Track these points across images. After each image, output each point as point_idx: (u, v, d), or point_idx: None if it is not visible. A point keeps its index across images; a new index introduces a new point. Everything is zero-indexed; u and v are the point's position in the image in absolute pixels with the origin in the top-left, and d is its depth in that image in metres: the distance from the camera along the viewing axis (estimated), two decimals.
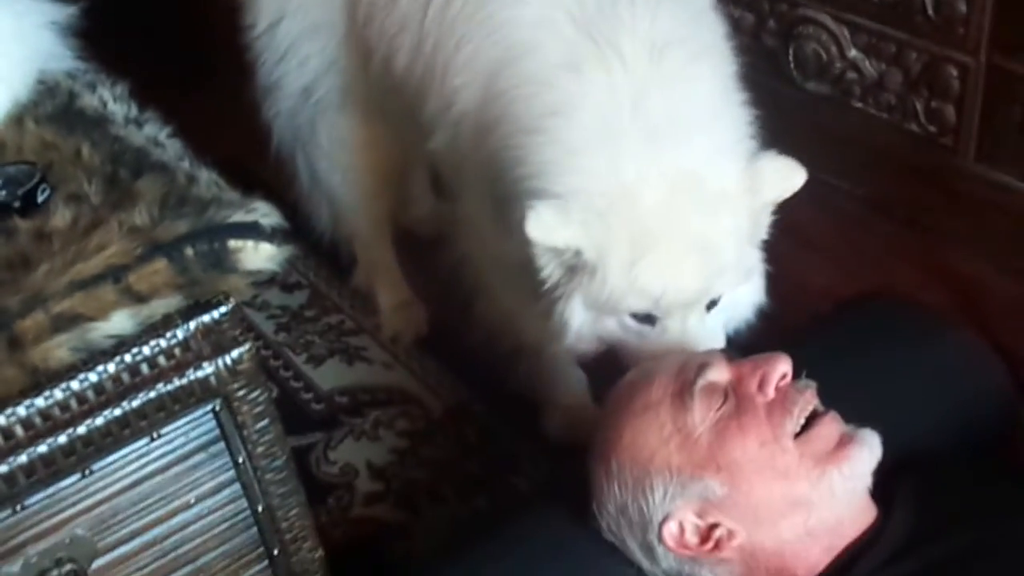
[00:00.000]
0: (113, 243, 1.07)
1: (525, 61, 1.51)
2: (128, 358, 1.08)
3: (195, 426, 1.18)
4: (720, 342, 1.51)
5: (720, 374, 1.27)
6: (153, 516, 1.19)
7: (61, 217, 1.12)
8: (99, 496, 1.14)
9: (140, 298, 1.07)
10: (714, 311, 1.52)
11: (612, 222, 1.43)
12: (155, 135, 1.27)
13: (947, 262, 1.86)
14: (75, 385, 1.06)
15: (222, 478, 1.22)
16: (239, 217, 1.11)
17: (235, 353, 1.14)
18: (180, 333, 1.10)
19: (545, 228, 1.42)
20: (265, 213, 1.13)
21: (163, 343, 1.10)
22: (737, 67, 1.59)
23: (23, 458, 1.05)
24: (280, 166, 2.02)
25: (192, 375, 1.13)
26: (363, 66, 1.79)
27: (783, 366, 1.26)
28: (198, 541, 1.24)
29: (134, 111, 1.31)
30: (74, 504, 1.13)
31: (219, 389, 1.15)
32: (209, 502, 1.22)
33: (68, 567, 1.13)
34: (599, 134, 1.45)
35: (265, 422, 1.20)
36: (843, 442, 1.22)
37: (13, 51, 1.28)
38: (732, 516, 1.21)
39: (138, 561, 1.20)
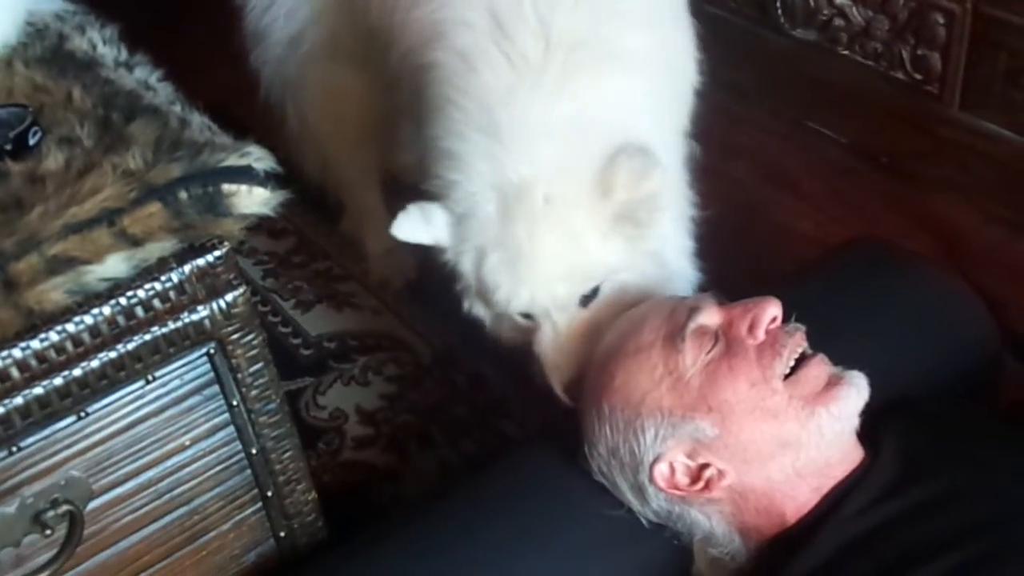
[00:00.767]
0: (107, 186, 1.07)
1: (443, 40, 1.52)
2: (123, 301, 1.08)
3: (190, 369, 1.18)
4: (596, 336, 1.45)
5: (711, 317, 1.29)
6: (148, 458, 1.20)
7: (54, 160, 1.11)
8: (95, 438, 1.15)
9: (135, 241, 1.07)
10: (595, 303, 1.50)
11: (464, 227, 1.48)
12: (145, 78, 1.26)
13: (931, 209, 1.88)
14: (71, 327, 1.06)
15: (216, 420, 1.23)
16: (233, 161, 1.11)
17: (229, 296, 1.15)
18: (175, 276, 1.10)
19: (406, 228, 1.50)
20: (258, 157, 1.13)
21: (158, 286, 1.10)
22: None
23: (19, 400, 1.06)
24: (268, 112, 2.01)
25: (187, 318, 1.13)
26: (349, 17, 1.78)
27: (773, 309, 1.27)
28: (193, 483, 1.25)
29: (124, 54, 1.30)
30: (70, 446, 1.13)
31: (213, 332, 1.16)
32: (203, 444, 1.23)
33: (64, 508, 1.14)
34: (474, 131, 1.47)
35: (259, 365, 1.21)
36: (832, 383, 1.23)
37: None
38: (722, 456, 1.23)
39: (133, 502, 1.21)
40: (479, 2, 1.50)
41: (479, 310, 1.57)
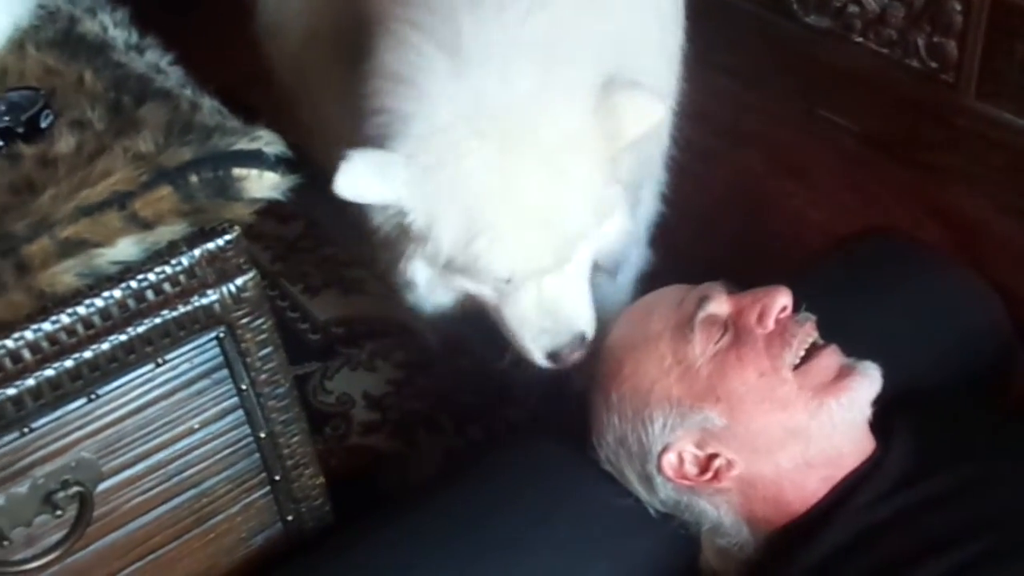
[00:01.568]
0: (118, 169, 1.07)
1: None
2: (134, 284, 1.08)
3: (199, 352, 1.18)
4: (585, 294, 1.38)
5: (720, 307, 1.28)
6: (158, 440, 1.20)
7: (65, 143, 1.12)
8: (105, 420, 1.15)
9: (145, 224, 1.07)
10: (575, 264, 1.37)
11: (438, 184, 1.25)
12: (156, 62, 1.26)
13: (946, 200, 1.86)
14: (81, 310, 1.06)
15: (225, 404, 1.23)
16: (243, 145, 1.11)
17: (239, 281, 1.15)
18: (185, 260, 1.11)
19: (357, 183, 1.25)
20: (269, 141, 1.13)
21: (168, 270, 1.10)
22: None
23: (31, 381, 1.06)
24: (278, 97, 2.01)
25: (197, 302, 1.13)
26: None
27: (783, 299, 1.26)
28: (201, 466, 1.25)
29: (135, 37, 1.29)
30: (80, 428, 1.14)
31: (223, 316, 1.16)
32: (213, 428, 1.24)
33: (74, 489, 1.14)
34: (434, 48, 1.26)
35: (268, 350, 1.21)
36: (842, 374, 1.23)
37: None
38: (731, 446, 1.23)
39: (143, 484, 1.22)
40: None
41: (421, 273, 1.37)
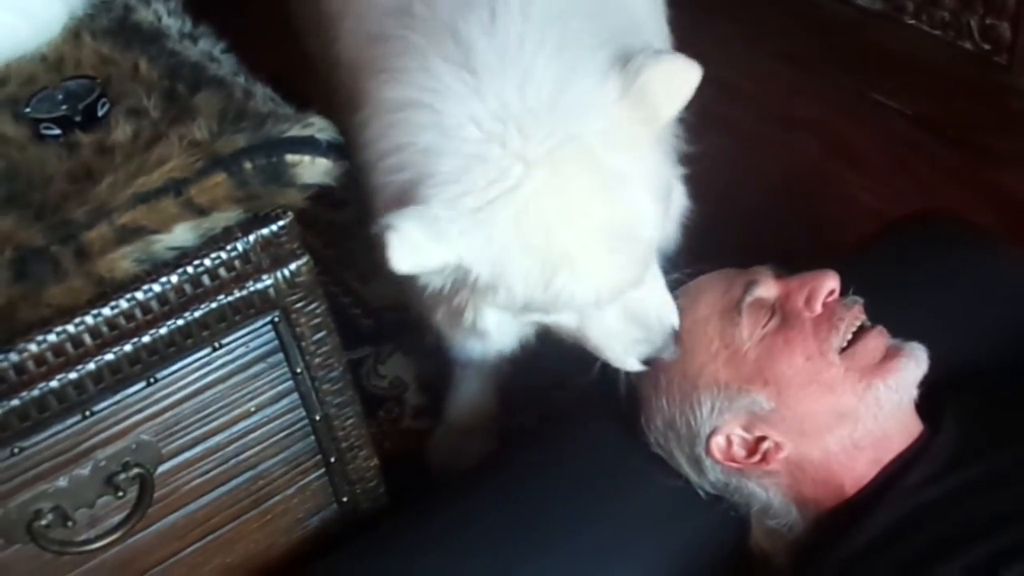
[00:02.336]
0: (174, 157, 1.08)
1: None
2: (190, 270, 1.10)
3: (255, 337, 1.20)
4: (662, 286, 1.28)
5: (768, 291, 1.28)
6: (215, 423, 1.22)
7: (122, 131, 1.13)
8: (164, 403, 1.17)
9: (201, 211, 1.09)
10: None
11: (495, 228, 1.12)
12: (209, 50, 1.27)
13: (998, 182, 1.84)
14: (140, 296, 1.08)
15: (281, 387, 1.25)
16: (296, 131, 1.12)
17: (293, 266, 1.17)
18: (240, 246, 1.12)
19: (414, 253, 1.11)
20: (321, 128, 1.14)
21: (224, 255, 1.12)
22: None
23: (91, 366, 1.08)
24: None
25: (252, 287, 1.15)
26: None
27: (831, 282, 1.26)
28: (258, 448, 1.27)
29: (188, 26, 1.31)
30: (140, 411, 1.16)
31: (278, 301, 1.17)
32: (269, 411, 1.26)
33: (135, 471, 1.17)
34: (443, 77, 1.15)
35: (322, 334, 1.23)
36: (889, 355, 1.23)
37: None
38: (779, 429, 1.23)
39: (201, 467, 1.24)
40: None
41: (492, 321, 1.24)
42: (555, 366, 1.85)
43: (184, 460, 1.22)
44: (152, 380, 1.15)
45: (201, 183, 1.08)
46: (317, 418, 1.29)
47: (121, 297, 1.08)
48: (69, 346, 1.06)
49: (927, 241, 1.56)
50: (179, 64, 1.23)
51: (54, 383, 1.07)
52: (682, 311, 1.29)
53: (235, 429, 1.24)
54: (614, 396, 1.42)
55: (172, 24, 1.31)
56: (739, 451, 1.25)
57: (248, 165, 1.10)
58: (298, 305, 1.19)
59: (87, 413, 1.12)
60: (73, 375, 1.08)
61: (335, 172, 1.14)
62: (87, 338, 1.07)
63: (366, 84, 1.21)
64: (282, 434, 1.28)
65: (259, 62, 1.26)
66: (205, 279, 1.12)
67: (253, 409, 1.24)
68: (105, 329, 1.08)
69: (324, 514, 1.38)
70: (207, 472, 1.25)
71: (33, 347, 1.04)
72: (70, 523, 1.15)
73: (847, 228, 1.82)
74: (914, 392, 1.23)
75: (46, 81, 1.21)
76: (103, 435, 1.15)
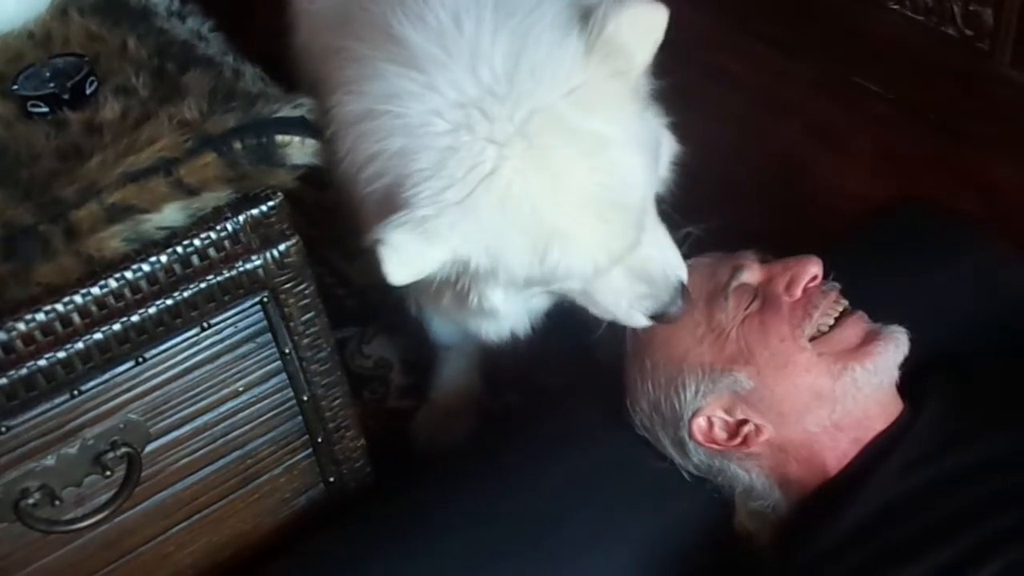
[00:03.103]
0: (163, 136, 1.08)
1: None
2: (179, 250, 1.10)
3: (243, 317, 1.21)
4: (665, 238, 1.25)
5: (753, 275, 1.30)
6: (203, 403, 1.23)
7: (111, 109, 1.13)
8: (152, 383, 1.18)
9: (191, 191, 1.09)
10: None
11: (482, 215, 1.09)
12: (197, 28, 1.27)
13: (980, 168, 1.85)
14: (129, 275, 1.09)
15: (269, 367, 1.25)
16: (286, 112, 1.13)
17: (282, 246, 1.17)
18: (229, 226, 1.13)
19: (409, 262, 1.09)
20: (311, 108, 1.14)
21: (213, 235, 1.12)
22: None
23: (80, 345, 1.08)
24: None
25: (241, 267, 1.15)
26: None
27: (813, 268, 1.28)
28: (246, 428, 1.28)
29: (176, 4, 1.30)
30: (128, 390, 1.16)
31: (267, 281, 1.18)
32: (256, 390, 1.26)
33: (123, 450, 1.17)
34: (395, 79, 1.12)
35: (311, 314, 1.23)
36: (868, 339, 1.24)
37: None
38: (759, 410, 1.24)
39: (189, 446, 1.24)
40: None
41: (498, 299, 1.22)
42: (540, 347, 1.86)
43: (172, 439, 1.22)
44: (141, 359, 1.15)
45: (191, 163, 1.08)
46: (305, 398, 1.29)
47: (110, 276, 1.08)
48: (58, 325, 1.06)
49: (909, 226, 1.57)
50: (168, 42, 1.23)
51: (42, 362, 1.07)
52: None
53: (223, 409, 1.25)
54: (599, 379, 1.43)
55: (160, 2, 1.31)
56: (720, 433, 1.27)
57: (238, 145, 1.10)
58: (287, 286, 1.20)
59: (75, 392, 1.12)
60: (61, 354, 1.08)
61: (323, 152, 1.14)
62: (76, 317, 1.07)
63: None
64: (270, 414, 1.29)
65: (247, 41, 1.25)
66: (194, 259, 1.12)
67: (241, 389, 1.25)
68: (94, 308, 1.08)
69: (311, 494, 1.38)
70: (195, 451, 1.25)
71: (21, 326, 1.04)
72: (57, 502, 1.15)
73: (829, 212, 1.83)
74: (895, 374, 1.25)
75: (33, 58, 1.20)
76: (91, 414, 1.15)
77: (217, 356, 1.21)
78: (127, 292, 1.09)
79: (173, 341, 1.17)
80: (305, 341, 1.24)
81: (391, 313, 1.99)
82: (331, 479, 1.38)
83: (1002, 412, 1.24)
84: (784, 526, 1.25)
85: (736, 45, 2.02)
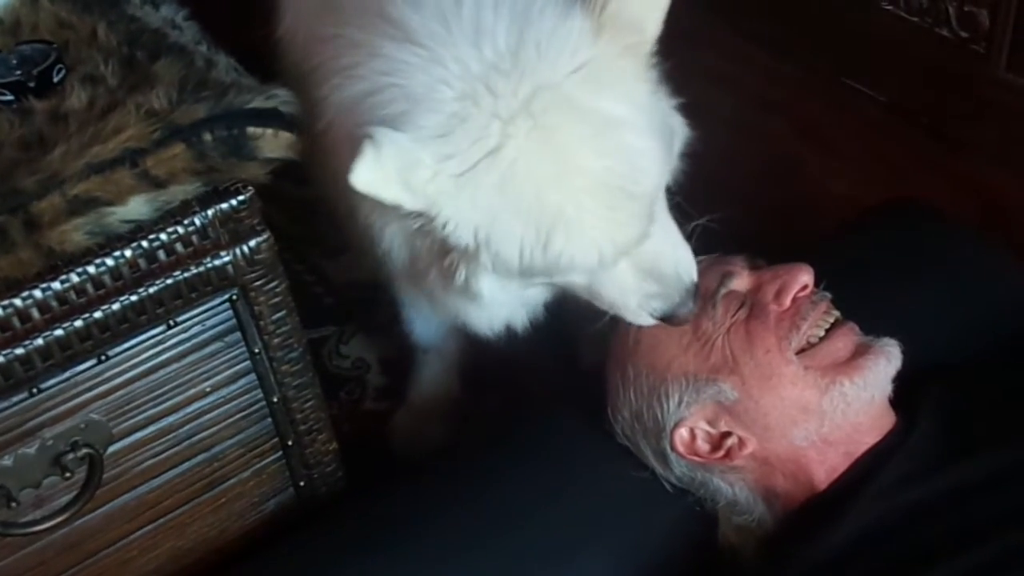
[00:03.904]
0: (130, 126, 1.05)
1: None
2: (145, 244, 1.07)
3: (212, 315, 1.17)
4: (676, 235, 1.20)
5: (742, 283, 1.27)
6: (168, 403, 1.19)
7: (77, 98, 1.10)
8: (115, 382, 1.14)
9: (158, 183, 1.06)
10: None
11: (479, 192, 1.06)
12: (172, 17, 1.24)
13: (973, 172, 1.83)
14: (92, 269, 1.05)
15: (238, 367, 1.22)
16: (259, 103, 1.09)
17: (253, 242, 1.14)
18: (198, 220, 1.09)
19: (381, 177, 1.02)
20: (285, 100, 1.11)
21: (180, 230, 1.08)
22: None
23: (39, 341, 1.05)
24: None
25: (209, 263, 1.12)
26: None
27: (804, 277, 1.24)
28: (213, 430, 1.24)
29: None
30: (90, 389, 1.13)
31: (236, 278, 1.14)
32: (225, 391, 1.23)
33: (84, 451, 1.14)
34: (397, 57, 1.09)
35: (282, 313, 1.20)
36: (858, 353, 1.21)
37: None
38: (743, 423, 1.21)
39: (153, 447, 1.21)
40: None
41: (488, 286, 1.16)
42: (521, 349, 1.83)
43: (136, 440, 1.19)
44: (103, 357, 1.12)
45: (158, 154, 1.05)
46: (275, 400, 1.26)
47: (72, 270, 1.05)
48: (16, 320, 1.03)
49: (900, 230, 1.55)
50: (139, 30, 1.19)
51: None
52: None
53: (189, 409, 1.21)
54: (582, 385, 1.40)
55: None
56: (703, 445, 1.23)
57: (208, 136, 1.06)
58: (257, 283, 1.16)
59: (34, 390, 1.09)
60: (20, 350, 1.04)
61: (299, 146, 1.11)
62: (35, 312, 1.04)
63: (320, 90, 1.16)
64: (238, 415, 1.25)
65: (224, 31, 1.22)
66: (161, 254, 1.09)
67: (208, 389, 1.21)
68: (55, 303, 1.05)
69: (280, 498, 1.35)
70: (159, 453, 1.22)
71: None
72: (14, 504, 1.12)
73: (819, 215, 1.81)
74: (888, 388, 1.21)
75: (0, 45, 1.17)
76: (51, 413, 1.11)
77: (184, 355, 1.17)
78: (89, 287, 1.06)
79: (138, 339, 1.13)
80: (276, 341, 1.21)
81: (370, 313, 1.97)
82: (301, 483, 1.35)
83: (999, 424, 1.21)
84: (770, 540, 1.22)
85: (726, 45, 2.00)
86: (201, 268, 1.11)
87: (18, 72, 1.12)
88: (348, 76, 1.12)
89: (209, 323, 1.17)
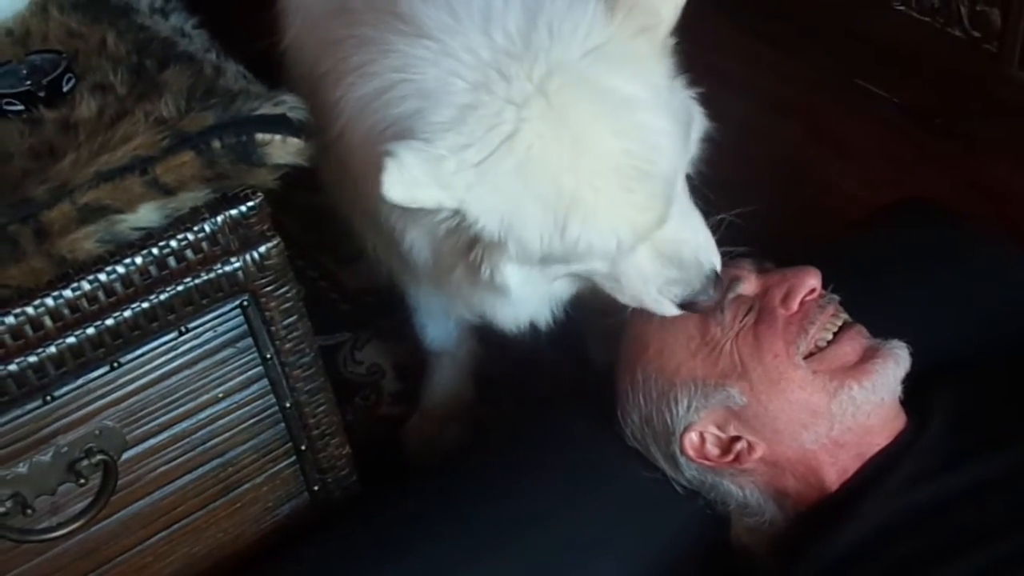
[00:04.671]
0: (139, 134, 1.05)
1: None
2: (155, 251, 1.07)
3: (223, 321, 1.17)
4: (698, 221, 1.19)
5: (750, 287, 1.26)
6: (181, 409, 1.20)
7: (87, 107, 1.11)
8: (128, 388, 1.15)
9: (167, 190, 1.06)
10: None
11: (499, 179, 1.05)
12: (181, 25, 1.25)
13: (985, 172, 1.82)
14: (103, 277, 1.06)
15: (250, 373, 1.22)
16: (267, 110, 1.09)
17: (263, 248, 1.14)
18: (207, 227, 1.09)
19: (411, 184, 1.02)
20: (293, 106, 1.11)
21: (190, 236, 1.09)
22: None
23: (52, 349, 1.06)
24: None
25: (220, 269, 1.12)
26: None
27: (811, 281, 1.24)
28: (226, 435, 1.25)
29: (159, 1, 1.28)
30: (103, 396, 1.13)
31: (246, 284, 1.15)
32: (237, 397, 1.23)
33: (98, 457, 1.14)
34: (408, 48, 1.09)
35: (293, 318, 1.20)
36: (867, 356, 1.20)
37: None
38: (753, 427, 1.20)
39: (167, 453, 1.21)
40: None
41: (514, 277, 1.15)
42: (534, 354, 1.83)
43: (149, 447, 1.20)
44: (116, 364, 1.12)
45: (167, 161, 1.05)
46: (287, 405, 1.26)
47: (83, 278, 1.05)
48: (28, 328, 1.03)
49: (910, 232, 1.54)
50: (148, 39, 1.20)
51: (13, 366, 1.04)
52: None
53: (202, 415, 1.22)
54: (594, 387, 1.39)
55: None
56: (713, 449, 1.23)
57: (217, 143, 1.06)
58: (268, 289, 1.16)
59: (48, 398, 1.09)
60: (33, 358, 1.05)
61: (307, 152, 1.11)
62: (47, 320, 1.04)
63: (334, 93, 1.16)
64: (251, 421, 1.26)
65: (233, 39, 1.23)
66: (171, 261, 1.09)
67: (221, 395, 1.22)
68: (67, 311, 1.05)
69: (294, 503, 1.35)
70: (173, 459, 1.22)
71: None
72: (29, 511, 1.12)
73: (831, 215, 1.80)
74: (897, 389, 1.20)
75: (11, 55, 1.18)
76: (64, 420, 1.12)
77: (196, 361, 1.18)
78: (101, 295, 1.06)
79: (150, 346, 1.14)
80: (287, 346, 1.21)
81: (385, 318, 1.98)
82: (316, 488, 1.35)
83: (1010, 424, 1.20)
84: (782, 540, 1.22)
85: (737, 45, 1.99)
86: (211, 274, 1.12)
87: (28, 82, 1.13)
88: (361, 75, 1.13)
89: (220, 329, 1.18)
